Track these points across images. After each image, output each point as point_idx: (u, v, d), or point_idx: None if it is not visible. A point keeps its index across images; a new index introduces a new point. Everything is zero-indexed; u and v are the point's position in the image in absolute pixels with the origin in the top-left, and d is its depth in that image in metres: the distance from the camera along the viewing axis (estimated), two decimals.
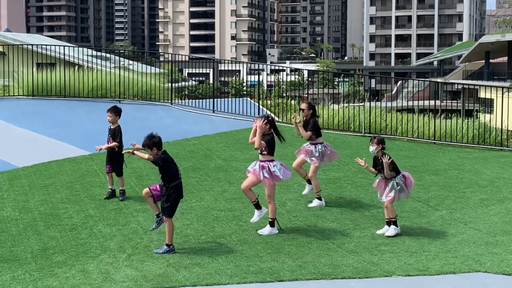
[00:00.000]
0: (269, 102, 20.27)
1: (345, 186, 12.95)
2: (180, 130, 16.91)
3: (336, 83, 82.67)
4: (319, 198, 11.66)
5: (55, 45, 23.57)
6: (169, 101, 20.49)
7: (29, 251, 9.22)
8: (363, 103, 18.55)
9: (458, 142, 17.55)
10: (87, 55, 30.41)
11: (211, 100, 19.80)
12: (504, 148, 17.32)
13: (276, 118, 19.19)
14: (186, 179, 12.87)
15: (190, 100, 20.93)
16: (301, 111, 11.72)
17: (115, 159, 11.49)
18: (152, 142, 9.18)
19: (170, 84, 20.68)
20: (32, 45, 24.08)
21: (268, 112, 18.60)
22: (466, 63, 79.91)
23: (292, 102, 20.88)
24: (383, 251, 9.47)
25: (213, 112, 19.44)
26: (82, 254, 9.11)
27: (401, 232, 10.32)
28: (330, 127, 18.20)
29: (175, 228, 10.14)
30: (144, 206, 10.70)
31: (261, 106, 19.56)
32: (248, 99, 20.92)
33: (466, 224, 10.88)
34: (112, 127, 11.62)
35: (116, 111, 11.62)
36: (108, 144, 11.53)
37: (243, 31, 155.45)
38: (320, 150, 11.56)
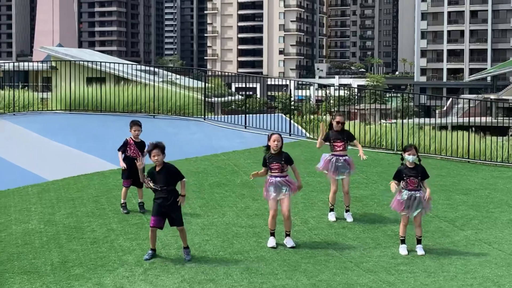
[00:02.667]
0: (301, 118, 20.23)
1: (370, 204, 12.83)
2: (210, 146, 17.05)
3: (386, 98, 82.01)
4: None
5: (104, 61, 24.08)
6: (202, 116, 20.67)
7: (49, 264, 9.42)
8: (395, 121, 18.36)
9: (492, 161, 17.21)
10: (136, 70, 30.95)
11: (243, 115, 19.89)
12: None
13: (308, 134, 19.21)
14: (210, 195, 13.01)
15: (224, 116, 21.05)
16: (338, 124, 11.71)
17: (136, 172, 11.66)
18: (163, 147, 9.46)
19: (203, 99, 20.88)
20: (81, 61, 24.65)
21: (300, 128, 18.56)
22: None
23: (325, 117, 20.79)
24: (401, 271, 9.36)
25: (245, 128, 19.52)
26: (100, 267, 9.26)
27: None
28: (361, 144, 18.04)
29: (194, 243, 10.26)
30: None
31: (293, 122, 19.54)
32: (282, 114, 20.94)
33: (491, 245, 10.66)
34: (137, 141, 11.89)
35: (141, 125, 12.01)
36: (138, 156, 11.76)
37: (291, 45, 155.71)
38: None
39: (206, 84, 20.95)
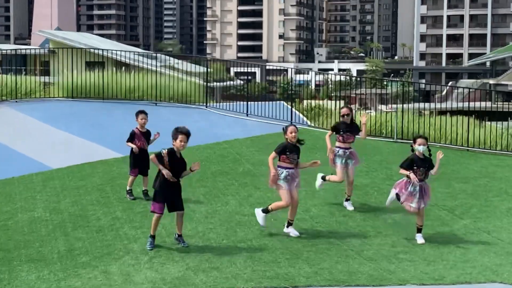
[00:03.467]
0: (302, 106, 20.33)
1: (371, 193, 12.99)
2: (213, 134, 17.17)
3: (385, 83, 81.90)
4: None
5: (103, 49, 24.12)
6: (204, 104, 20.78)
7: (55, 252, 9.58)
8: (395, 108, 18.48)
9: (491, 149, 17.35)
10: (135, 54, 31.02)
11: (245, 103, 19.99)
12: None
13: (309, 123, 19.34)
14: (213, 183, 13.16)
15: (225, 103, 21.15)
16: (344, 116, 11.87)
17: (144, 161, 11.86)
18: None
19: (205, 87, 20.97)
20: (80, 47, 24.73)
21: (302, 117, 18.69)
22: None
23: (329, 105, 20.90)
24: (401, 259, 9.53)
25: (247, 115, 19.63)
26: (106, 255, 9.41)
27: None
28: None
29: (197, 231, 10.43)
30: None
31: (294, 110, 19.64)
32: (283, 102, 21.04)
33: (489, 234, 10.83)
34: (144, 130, 12.03)
35: (147, 114, 12.20)
36: (145, 146, 11.95)
37: (291, 30, 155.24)
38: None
39: (208, 71, 20.98)
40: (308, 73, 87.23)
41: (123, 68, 23.26)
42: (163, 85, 20.69)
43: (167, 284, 8.38)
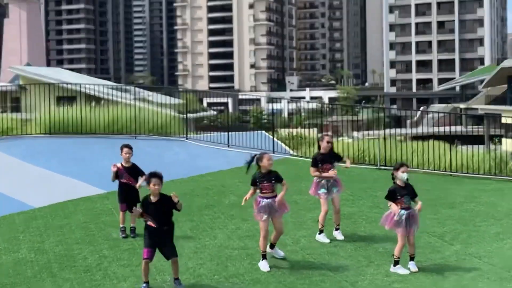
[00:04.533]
0: (283, 135, 20.28)
1: (359, 221, 12.89)
2: (195, 166, 17.00)
3: (357, 110, 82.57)
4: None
5: (74, 84, 23.92)
6: (185, 135, 20.62)
7: None
8: (377, 137, 18.51)
9: (474, 173, 17.42)
10: (107, 88, 30.81)
11: (226, 133, 19.89)
12: None
13: (292, 152, 19.25)
14: (199, 217, 12.97)
15: (205, 134, 21.02)
16: (328, 144, 11.76)
17: (131, 196, 11.64)
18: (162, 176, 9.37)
19: (185, 119, 20.82)
20: (50, 84, 24.48)
21: (283, 146, 18.63)
22: (489, 88, 79.43)
23: (307, 134, 20.86)
24: None
25: (228, 146, 19.51)
26: None
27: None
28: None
29: (188, 268, 10.21)
30: None
31: (276, 140, 19.57)
32: (264, 132, 20.97)
33: (481, 259, 10.76)
34: (128, 166, 11.77)
35: (131, 148, 11.94)
36: (129, 181, 11.70)
37: (262, 59, 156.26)
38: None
39: (187, 102, 20.86)
40: (280, 102, 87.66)
41: (94, 102, 22.97)
42: (141, 118, 20.51)
43: None
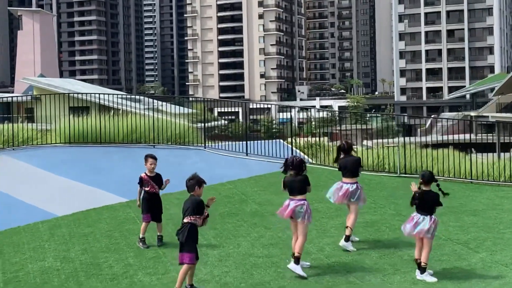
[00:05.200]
0: (301, 143, 20.28)
1: (382, 229, 12.85)
2: (214, 175, 16.97)
3: (367, 118, 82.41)
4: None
5: (87, 93, 24.03)
6: (202, 144, 20.66)
7: None
8: (397, 145, 18.47)
9: (495, 180, 17.35)
10: (119, 98, 30.97)
11: (244, 142, 19.91)
12: None
13: (310, 160, 19.23)
14: (222, 225, 12.97)
15: (223, 143, 21.04)
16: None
17: (156, 206, 11.71)
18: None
19: (203, 128, 20.86)
20: (67, 92, 24.59)
21: (302, 154, 18.64)
22: (499, 96, 79.22)
23: (326, 143, 20.87)
24: None
25: (246, 155, 19.53)
26: None
27: (442, 276, 10.21)
28: (363, 168, 18.14)
29: (214, 276, 10.21)
30: None
31: (295, 148, 19.57)
32: (281, 140, 20.98)
33: (508, 266, 10.70)
34: (152, 175, 11.83)
35: (156, 158, 12.03)
36: (153, 189, 11.75)
37: (272, 69, 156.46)
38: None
39: (205, 112, 20.93)
40: (291, 111, 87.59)
41: (112, 112, 23.09)
42: (159, 128, 20.57)
43: None
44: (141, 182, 11.79)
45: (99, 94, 25.06)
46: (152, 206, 11.72)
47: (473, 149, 20.92)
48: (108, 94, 27.19)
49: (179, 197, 14.32)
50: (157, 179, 11.83)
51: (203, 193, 9.61)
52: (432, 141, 26.69)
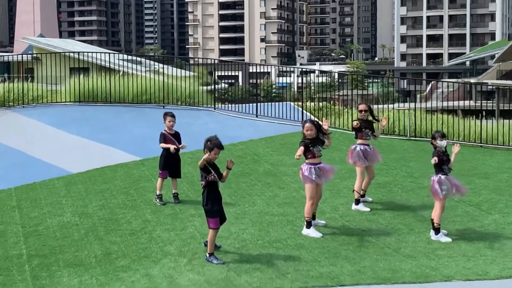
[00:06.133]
0: (311, 105, 20.31)
1: (395, 190, 12.98)
2: (225, 135, 16.88)
3: (366, 84, 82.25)
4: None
5: (87, 52, 23.83)
6: (212, 106, 20.69)
7: (92, 256, 9.44)
8: (407, 107, 18.52)
9: (504, 145, 17.45)
10: (119, 60, 30.75)
11: (254, 104, 19.95)
12: None
13: (320, 122, 19.23)
14: (237, 184, 13.09)
15: (233, 105, 21.07)
16: (361, 112, 11.91)
17: (175, 163, 11.79)
18: None
19: (212, 90, 20.87)
20: (66, 52, 24.49)
21: (312, 117, 18.67)
22: (500, 63, 78.98)
23: (336, 107, 20.91)
24: (440, 256, 9.50)
25: (256, 116, 19.57)
26: (144, 258, 9.29)
27: (457, 236, 10.35)
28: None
29: (231, 233, 10.34)
30: (199, 211, 10.81)
31: (305, 111, 19.59)
32: (291, 103, 21.02)
33: None
34: (171, 133, 11.91)
35: (175, 116, 12.09)
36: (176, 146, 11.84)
37: (272, 33, 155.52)
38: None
39: (214, 74, 20.90)
40: (290, 76, 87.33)
41: (122, 72, 23.01)
42: (169, 88, 20.56)
43: (213, 286, 8.31)
44: (164, 138, 11.85)
45: (108, 54, 24.81)
46: (170, 163, 11.82)
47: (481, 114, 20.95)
48: (113, 53, 26.92)
49: (191, 156, 14.44)
50: (177, 137, 11.94)
51: (198, 155, 9.79)
52: (438, 107, 26.73)
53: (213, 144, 9.40)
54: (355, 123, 11.95)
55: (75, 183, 13.28)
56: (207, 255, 9.22)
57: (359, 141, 11.91)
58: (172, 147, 11.71)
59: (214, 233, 9.24)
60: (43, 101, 20.88)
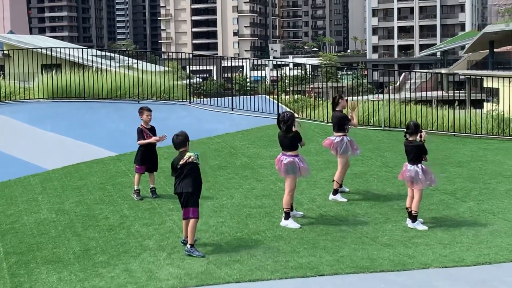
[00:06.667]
0: (286, 98, 20.37)
1: (371, 180, 13.10)
2: (202, 129, 17.05)
3: (339, 76, 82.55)
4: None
5: (59, 47, 23.56)
6: (188, 100, 20.65)
7: (71, 252, 9.39)
8: (382, 99, 18.69)
9: (477, 133, 17.69)
10: (92, 55, 30.54)
11: (229, 98, 19.94)
12: None
13: (296, 114, 19.35)
14: (214, 177, 13.10)
15: (208, 99, 21.05)
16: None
17: (152, 156, 11.75)
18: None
19: (187, 84, 20.82)
20: (37, 48, 24.19)
21: (287, 109, 18.74)
22: (470, 53, 79.80)
23: (310, 98, 21.02)
24: (417, 244, 9.62)
25: (232, 110, 19.58)
26: (123, 253, 9.27)
27: (432, 224, 10.49)
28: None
29: (210, 226, 10.35)
30: (177, 206, 10.77)
31: (280, 104, 19.65)
32: (266, 96, 21.08)
33: (495, 215, 11.02)
34: (148, 128, 11.88)
35: (151, 110, 12.08)
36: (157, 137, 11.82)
37: (245, 26, 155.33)
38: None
39: (189, 68, 20.85)
40: (264, 69, 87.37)
41: (96, 67, 22.83)
42: (144, 83, 20.47)
43: (193, 279, 8.29)
44: (141, 134, 11.80)
45: (82, 49, 24.64)
46: (148, 158, 11.80)
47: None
48: (86, 49, 26.70)
49: (167, 151, 14.38)
50: (152, 131, 11.92)
51: (191, 147, 9.85)
52: (411, 98, 27.06)
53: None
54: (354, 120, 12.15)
55: (51, 180, 13.18)
56: (188, 246, 9.21)
57: (339, 133, 11.92)
58: (153, 138, 11.70)
59: (195, 223, 9.25)
60: (15, 98, 20.68)
